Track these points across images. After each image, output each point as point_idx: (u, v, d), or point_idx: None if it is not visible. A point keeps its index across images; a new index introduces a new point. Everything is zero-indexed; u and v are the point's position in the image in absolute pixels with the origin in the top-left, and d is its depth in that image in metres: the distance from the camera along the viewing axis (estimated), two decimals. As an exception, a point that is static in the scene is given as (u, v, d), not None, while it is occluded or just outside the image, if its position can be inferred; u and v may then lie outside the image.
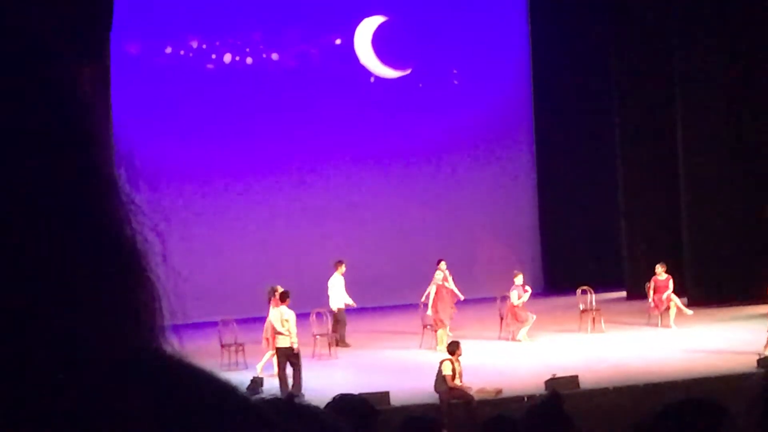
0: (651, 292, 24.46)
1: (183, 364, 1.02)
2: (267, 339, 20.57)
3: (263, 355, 20.75)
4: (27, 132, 0.95)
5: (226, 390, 1.02)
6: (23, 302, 0.91)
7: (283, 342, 19.75)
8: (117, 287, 0.97)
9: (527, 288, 24.07)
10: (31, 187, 0.94)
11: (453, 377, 18.37)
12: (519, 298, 23.73)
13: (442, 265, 24.29)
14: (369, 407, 5.65)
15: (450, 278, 24.22)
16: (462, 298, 24.23)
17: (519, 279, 23.98)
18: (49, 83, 0.98)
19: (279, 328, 19.81)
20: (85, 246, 0.96)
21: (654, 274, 24.59)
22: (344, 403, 5.42)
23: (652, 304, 24.42)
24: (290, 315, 19.89)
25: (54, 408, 0.91)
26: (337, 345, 23.46)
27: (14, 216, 0.92)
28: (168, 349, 1.00)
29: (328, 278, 24.83)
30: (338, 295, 24.30)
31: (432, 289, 23.57)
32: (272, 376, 19.81)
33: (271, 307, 20.48)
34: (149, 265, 1.00)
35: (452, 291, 24.04)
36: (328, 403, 5.00)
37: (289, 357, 19.70)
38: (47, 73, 0.98)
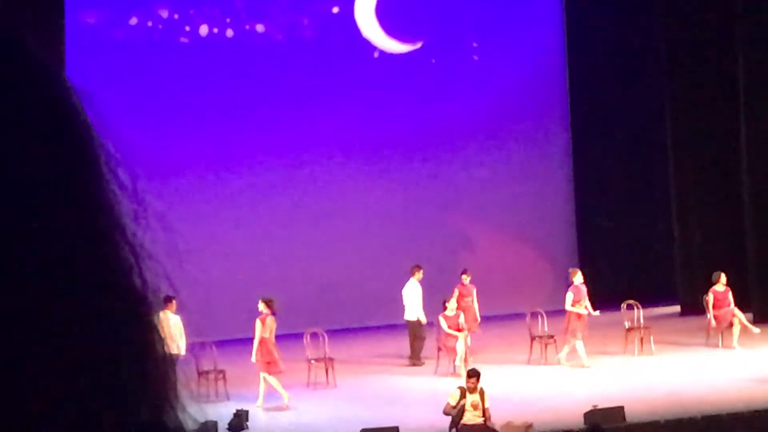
0: (710, 307, 23.49)
1: None
2: (264, 361, 20.39)
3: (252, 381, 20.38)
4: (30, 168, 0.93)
5: None
6: (17, 372, 0.89)
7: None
8: (127, 354, 0.95)
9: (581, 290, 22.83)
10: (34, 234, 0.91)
11: (456, 408, 17.43)
12: (573, 303, 22.44)
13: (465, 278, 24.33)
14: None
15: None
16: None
17: (578, 277, 22.74)
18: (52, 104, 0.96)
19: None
20: (92, 304, 0.93)
21: (712, 284, 23.58)
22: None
23: (713, 322, 23.51)
24: (177, 319, 20.41)
25: None
26: (410, 363, 23.29)
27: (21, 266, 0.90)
28: (185, 419, 0.99)
29: (326, 292, 25.05)
30: (415, 304, 23.71)
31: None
32: (278, 408, 19.94)
33: (258, 320, 20.49)
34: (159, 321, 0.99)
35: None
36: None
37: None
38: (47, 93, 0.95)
